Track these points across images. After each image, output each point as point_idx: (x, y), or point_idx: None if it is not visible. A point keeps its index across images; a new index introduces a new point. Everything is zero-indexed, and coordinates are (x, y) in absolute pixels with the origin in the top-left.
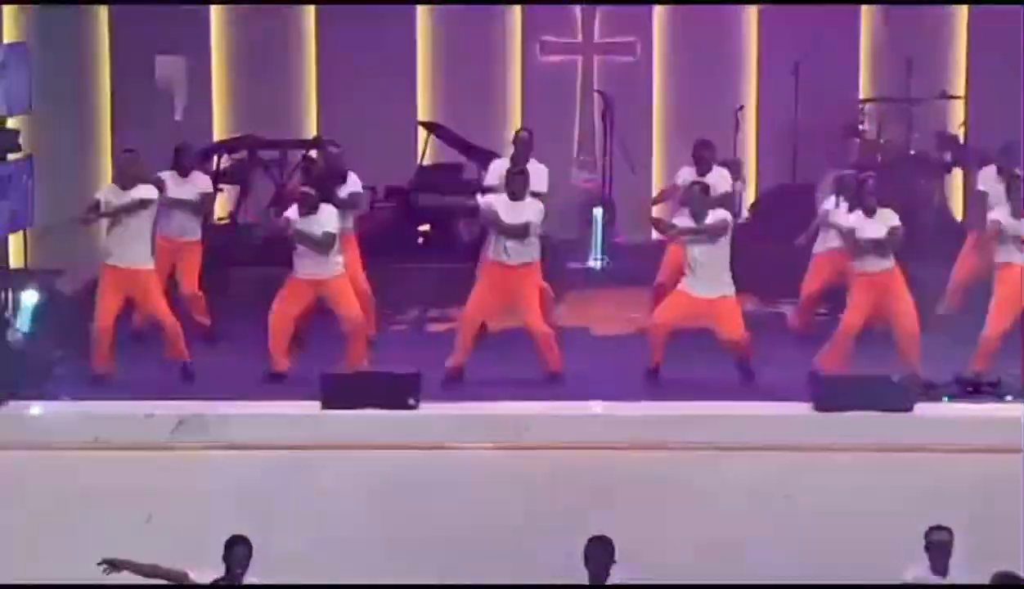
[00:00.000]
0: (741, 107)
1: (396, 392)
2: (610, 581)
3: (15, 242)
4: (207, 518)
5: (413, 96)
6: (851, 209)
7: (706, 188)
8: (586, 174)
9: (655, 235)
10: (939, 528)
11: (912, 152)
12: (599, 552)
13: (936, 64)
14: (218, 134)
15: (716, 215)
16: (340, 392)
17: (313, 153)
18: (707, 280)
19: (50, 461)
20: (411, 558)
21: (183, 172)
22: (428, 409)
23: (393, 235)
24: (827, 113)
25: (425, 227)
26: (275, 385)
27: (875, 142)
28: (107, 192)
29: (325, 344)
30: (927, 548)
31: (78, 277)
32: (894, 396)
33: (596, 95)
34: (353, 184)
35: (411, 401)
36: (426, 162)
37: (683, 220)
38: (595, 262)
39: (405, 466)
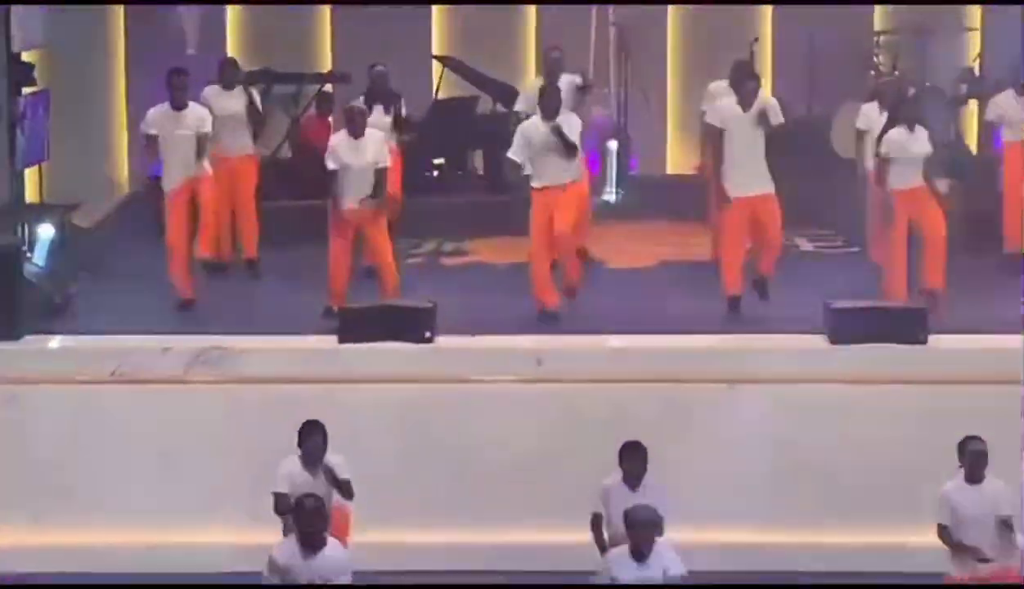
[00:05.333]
0: (756, 39)
1: (412, 325)
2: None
3: (31, 176)
4: (224, 453)
5: (428, 30)
6: (890, 125)
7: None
8: (600, 107)
9: (671, 169)
10: (974, 438)
11: (927, 84)
12: (637, 455)
13: None
14: None
15: (766, 104)
16: (356, 325)
17: (328, 87)
18: (753, 176)
19: (67, 394)
20: (427, 491)
21: (227, 86)
22: (444, 342)
23: (409, 169)
24: (842, 45)
25: (440, 160)
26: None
27: (890, 74)
28: (158, 118)
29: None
30: (962, 456)
31: (94, 211)
32: (909, 328)
33: (611, 27)
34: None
35: (427, 334)
36: (441, 95)
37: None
38: (610, 195)
39: (420, 399)
